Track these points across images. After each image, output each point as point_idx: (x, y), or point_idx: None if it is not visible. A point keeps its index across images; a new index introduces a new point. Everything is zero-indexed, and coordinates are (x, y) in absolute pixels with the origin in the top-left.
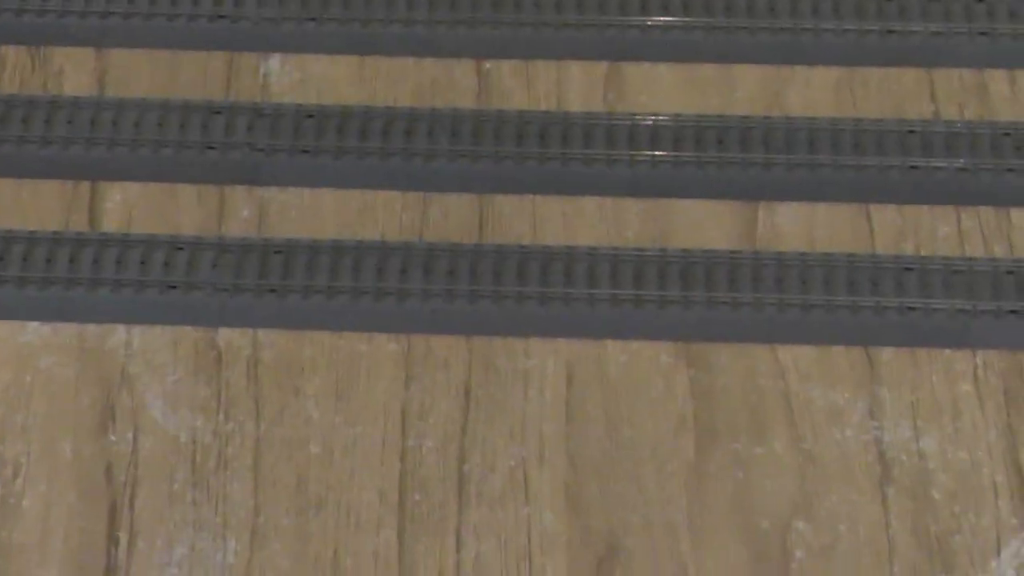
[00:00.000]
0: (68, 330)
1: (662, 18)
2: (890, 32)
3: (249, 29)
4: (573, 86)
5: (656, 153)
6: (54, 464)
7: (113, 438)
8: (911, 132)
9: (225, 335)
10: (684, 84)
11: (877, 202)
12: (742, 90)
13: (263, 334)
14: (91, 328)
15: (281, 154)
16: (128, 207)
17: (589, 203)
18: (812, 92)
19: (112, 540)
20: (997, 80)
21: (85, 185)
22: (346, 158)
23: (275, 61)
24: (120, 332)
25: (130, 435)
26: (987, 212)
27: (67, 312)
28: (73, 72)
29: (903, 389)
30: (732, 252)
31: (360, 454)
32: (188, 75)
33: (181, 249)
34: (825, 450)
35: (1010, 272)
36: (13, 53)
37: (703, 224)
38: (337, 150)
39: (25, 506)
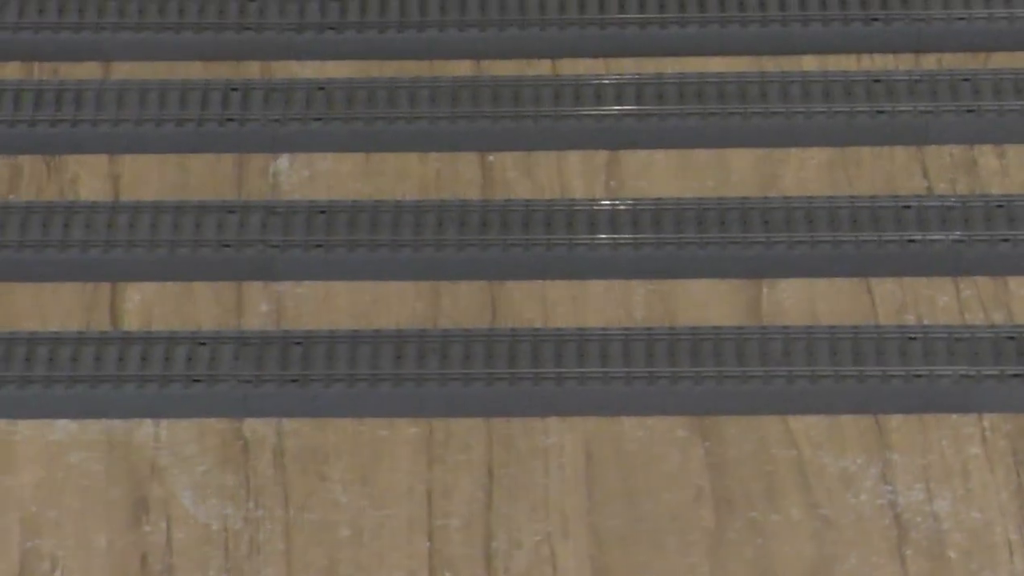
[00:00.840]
0: (96, 426)
1: (658, 107)
2: (880, 112)
3: (257, 131)
4: (574, 174)
5: (660, 236)
6: (90, 556)
7: (147, 528)
8: (906, 207)
9: (250, 425)
10: (681, 169)
11: (877, 275)
12: (737, 173)
13: (287, 423)
14: (118, 423)
15: (295, 249)
16: (147, 306)
17: (597, 286)
18: (806, 172)
19: None
20: (986, 154)
21: (104, 286)
22: (358, 251)
23: (284, 160)
24: (147, 426)
25: (163, 525)
26: (984, 281)
27: (94, 409)
28: (88, 178)
29: (914, 453)
30: (739, 328)
31: (388, 535)
32: (200, 177)
33: (203, 344)
34: (841, 514)
35: (1011, 337)
36: (29, 162)
37: (708, 302)
38: (349, 244)
39: None
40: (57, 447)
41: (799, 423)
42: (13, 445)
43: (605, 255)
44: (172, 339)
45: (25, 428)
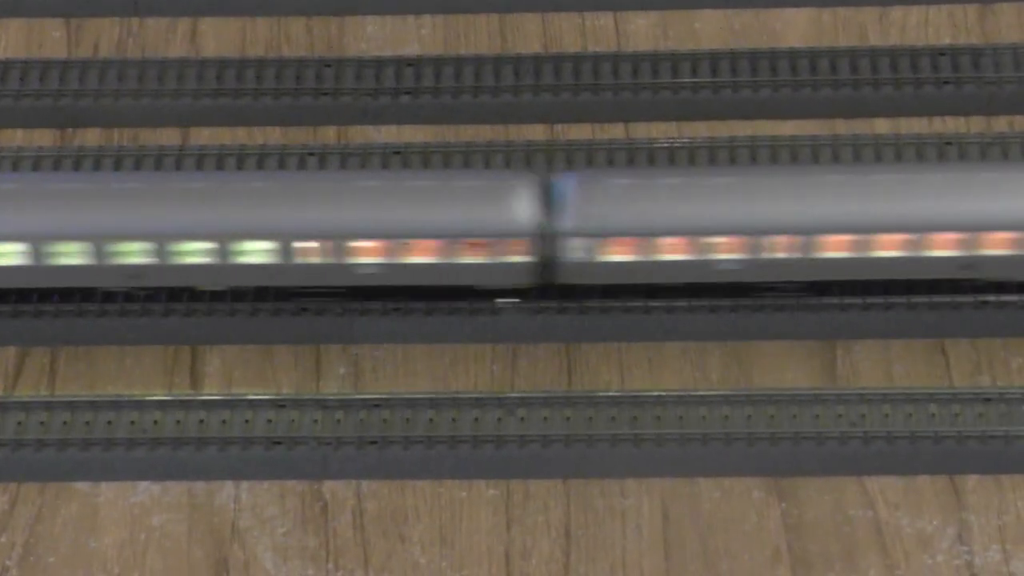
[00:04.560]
0: (177, 488)
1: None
2: None
3: None
4: None
5: (735, 299)
6: None
7: None
8: None
9: (330, 487)
10: None
11: (951, 337)
12: None
13: (366, 485)
14: (200, 485)
15: (374, 314)
16: (227, 369)
17: (672, 348)
18: None
19: None
20: None
21: (185, 350)
22: (436, 315)
23: None
24: (228, 488)
25: None
26: None
27: (176, 471)
28: None
29: (989, 514)
30: (815, 389)
31: None
32: None
33: (283, 407)
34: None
35: None
36: None
37: (784, 364)
38: (427, 308)
39: None
40: (140, 509)
41: (875, 484)
42: (96, 507)
43: (682, 317)
44: (253, 402)
45: (108, 490)
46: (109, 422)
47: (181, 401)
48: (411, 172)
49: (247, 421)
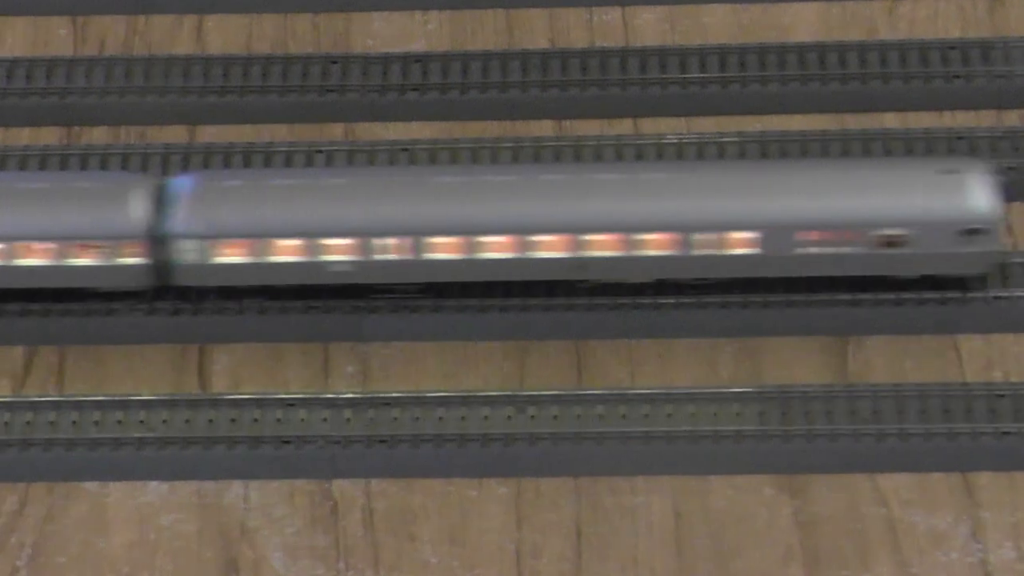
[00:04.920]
0: (186, 488)
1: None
2: None
3: None
4: None
5: (746, 295)
6: None
7: None
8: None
9: (339, 486)
10: None
11: (963, 332)
12: None
13: (375, 484)
14: (209, 485)
15: (383, 311)
16: (235, 368)
17: (682, 344)
18: None
19: None
20: None
21: (193, 349)
22: (445, 311)
23: None
24: (237, 488)
25: None
26: None
27: (185, 471)
28: None
29: (1003, 511)
30: (827, 386)
31: None
32: None
33: (292, 406)
34: (932, 573)
35: None
36: None
37: (795, 360)
38: (436, 305)
39: None
40: (149, 508)
41: (888, 481)
42: (105, 507)
43: (692, 312)
44: (261, 401)
45: (117, 490)
46: (118, 421)
47: (189, 400)
48: (27, 174)
49: (255, 420)
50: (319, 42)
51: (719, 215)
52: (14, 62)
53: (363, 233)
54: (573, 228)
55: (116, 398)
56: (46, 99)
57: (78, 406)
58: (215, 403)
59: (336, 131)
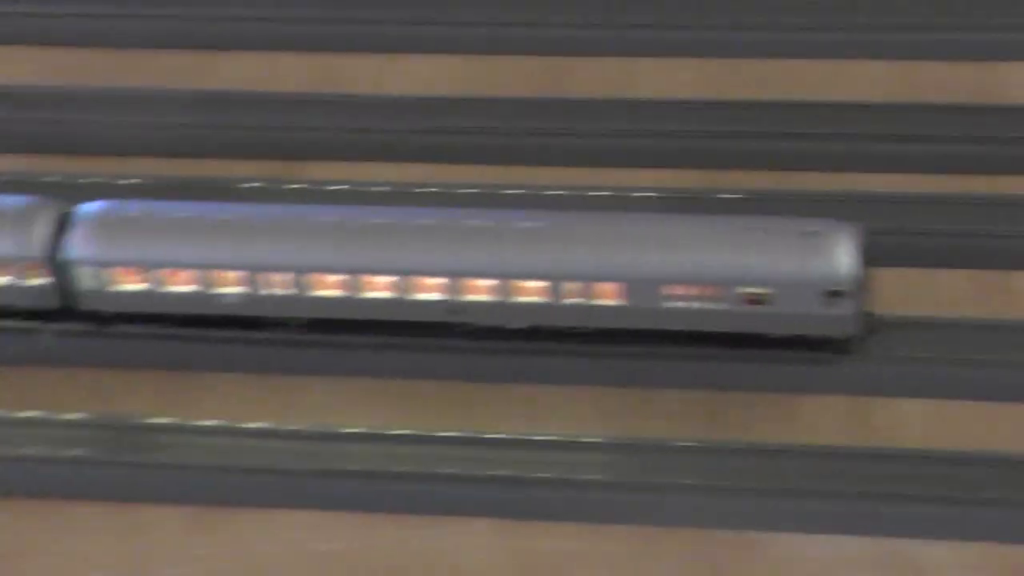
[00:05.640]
0: (873, 543)
1: None
2: None
3: None
4: None
5: None
6: None
7: None
8: None
9: None
10: None
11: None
12: None
13: None
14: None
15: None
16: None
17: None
18: None
19: None
20: None
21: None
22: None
23: None
24: (930, 546)
25: None
26: None
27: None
28: None
29: None
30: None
31: None
32: None
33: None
34: None
35: None
36: None
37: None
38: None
39: None
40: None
41: None
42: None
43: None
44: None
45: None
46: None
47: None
48: None
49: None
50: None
51: (587, 266)
52: None
53: (252, 267)
54: (447, 272)
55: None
56: None
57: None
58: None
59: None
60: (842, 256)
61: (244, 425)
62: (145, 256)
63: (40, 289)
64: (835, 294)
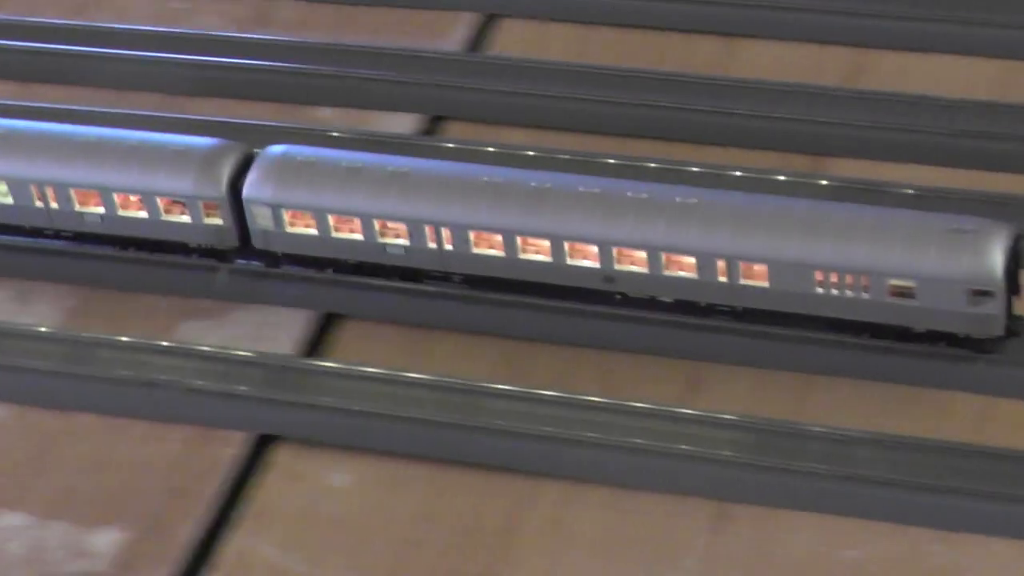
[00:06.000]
0: None
1: None
2: None
3: None
4: None
5: None
6: None
7: None
8: None
9: None
10: None
11: None
12: None
13: None
14: None
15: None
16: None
17: None
18: None
19: None
20: None
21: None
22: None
23: None
24: None
25: None
26: None
27: None
28: None
29: None
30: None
31: None
32: None
33: None
34: None
35: None
36: None
37: None
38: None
39: None
40: None
41: None
42: None
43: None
44: None
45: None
46: None
47: None
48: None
49: None
50: None
51: (737, 245)
52: None
53: (415, 220)
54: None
55: None
56: None
57: None
58: None
59: None
60: (993, 255)
61: None
62: (317, 201)
63: (218, 228)
64: (982, 293)
